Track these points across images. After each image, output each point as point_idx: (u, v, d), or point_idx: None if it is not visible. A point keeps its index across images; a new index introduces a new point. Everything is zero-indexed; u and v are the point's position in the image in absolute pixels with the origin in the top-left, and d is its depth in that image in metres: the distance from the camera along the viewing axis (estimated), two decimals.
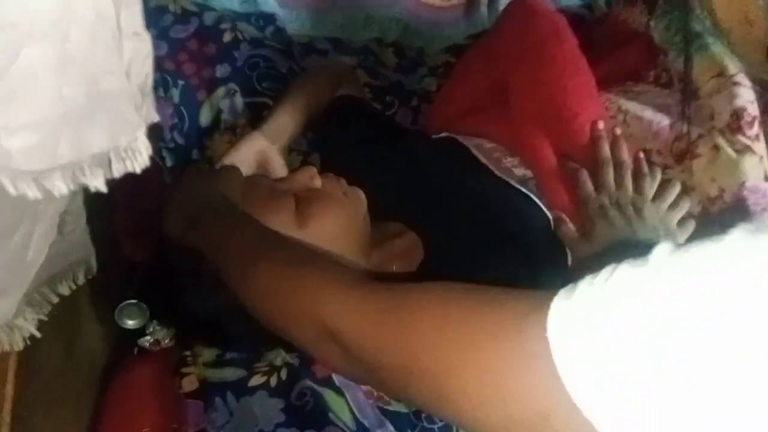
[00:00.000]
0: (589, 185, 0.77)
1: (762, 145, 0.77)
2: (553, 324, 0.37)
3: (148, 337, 0.83)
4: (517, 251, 0.75)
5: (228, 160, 0.84)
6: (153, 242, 0.80)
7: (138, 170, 0.39)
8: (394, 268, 0.78)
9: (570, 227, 0.77)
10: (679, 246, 0.37)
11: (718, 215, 0.77)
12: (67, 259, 0.62)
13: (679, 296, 0.34)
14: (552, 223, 0.79)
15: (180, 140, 0.91)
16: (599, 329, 0.35)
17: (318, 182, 0.76)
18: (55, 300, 0.60)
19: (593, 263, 0.39)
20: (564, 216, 0.78)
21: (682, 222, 0.78)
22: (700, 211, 0.79)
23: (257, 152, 0.87)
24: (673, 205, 0.78)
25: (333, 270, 0.56)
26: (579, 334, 0.36)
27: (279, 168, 0.88)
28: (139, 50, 0.43)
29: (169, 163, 0.89)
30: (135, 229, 0.87)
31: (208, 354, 0.77)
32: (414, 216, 0.82)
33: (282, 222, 0.71)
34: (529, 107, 0.83)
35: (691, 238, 0.76)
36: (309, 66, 1.10)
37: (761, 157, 0.76)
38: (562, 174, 0.80)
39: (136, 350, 0.83)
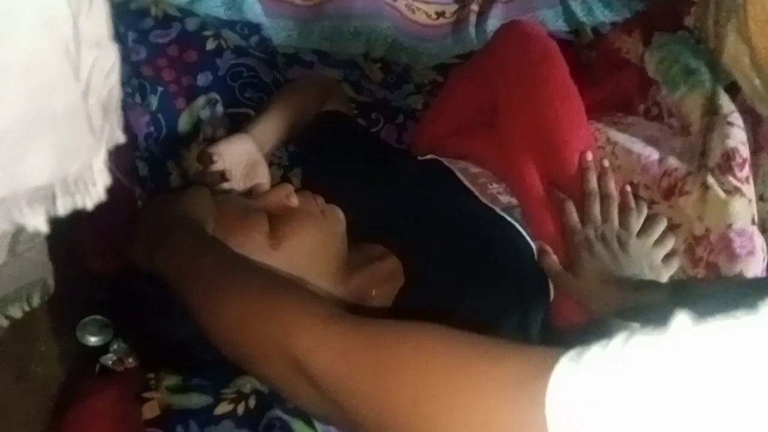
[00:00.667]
0: (575, 216, 0.74)
1: (751, 188, 0.74)
2: (556, 393, 0.32)
3: (110, 355, 0.77)
4: (505, 280, 0.72)
5: (218, 150, 0.78)
6: (121, 257, 0.75)
7: (89, 206, 0.34)
8: (374, 293, 0.74)
9: (554, 259, 0.74)
10: (699, 319, 0.32)
11: (706, 256, 0.74)
12: (21, 280, 0.56)
13: (706, 381, 0.30)
14: (536, 253, 0.75)
15: (155, 150, 0.86)
16: (611, 407, 0.30)
17: (294, 201, 0.72)
18: (6, 324, 0.54)
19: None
20: (548, 247, 0.75)
21: (666, 259, 0.75)
22: (685, 249, 0.76)
23: (248, 152, 0.80)
24: (659, 242, 0.75)
25: (309, 301, 0.51)
26: (586, 408, 0.31)
27: (263, 174, 0.81)
28: (101, 62, 0.37)
29: (142, 173, 0.84)
30: (101, 244, 0.81)
31: (172, 378, 0.71)
32: (396, 239, 0.77)
33: (254, 242, 0.66)
34: (520, 130, 0.79)
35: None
36: (293, 77, 1.06)
37: (750, 200, 0.74)
38: (549, 203, 0.77)
39: (97, 368, 0.77)
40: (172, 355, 0.68)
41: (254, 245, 0.66)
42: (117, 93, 0.41)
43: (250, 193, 0.73)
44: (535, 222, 0.77)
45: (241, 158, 0.79)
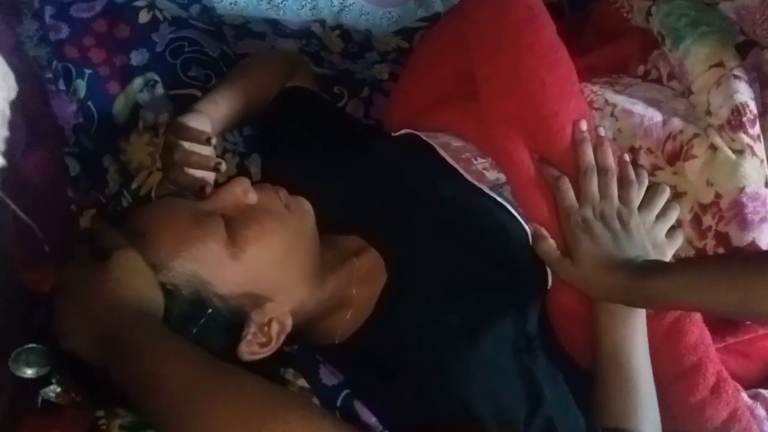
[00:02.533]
0: (571, 195, 0.65)
1: (762, 147, 0.66)
2: None
3: (54, 387, 0.66)
4: (498, 272, 0.63)
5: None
6: (56, 270, 0.64)
7: None
8: (354, 292, 0.64)
9: (551, 244, 0.65)
10: None
11: (715, 225, 0.67)
12: None
13: None
14: (530, 238, 0.66)
15: (87, 143, 0.73)
16: None
17: (253, 197, 0.61)
18: None
19: None
20: (543, 231, 0.65)
21: (671, 232, 0.67)
22: (691, 219, 0.69)
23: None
24: (661, 214, 0.67)
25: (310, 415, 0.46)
26: None
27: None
28: None
29: (73, 171, 0.71)
30: (32, 256, 0.69)
31: (127, 415, 0.61)
32: (373, 229, 0.68)
33: (211, 254, 0.56)
34: (503, 104, 0.69)
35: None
36: (245, 51, 0.94)
37: (762, 161, 0.66)
38: (541, 182, 0.67)
39: (39, 402, 0.66)
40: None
41: (211, 258, 0.55)
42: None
43: (203, 191, 0.61)
44: (527, 203, 0.67)
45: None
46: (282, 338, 0.58)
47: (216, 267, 0.56)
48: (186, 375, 0.47)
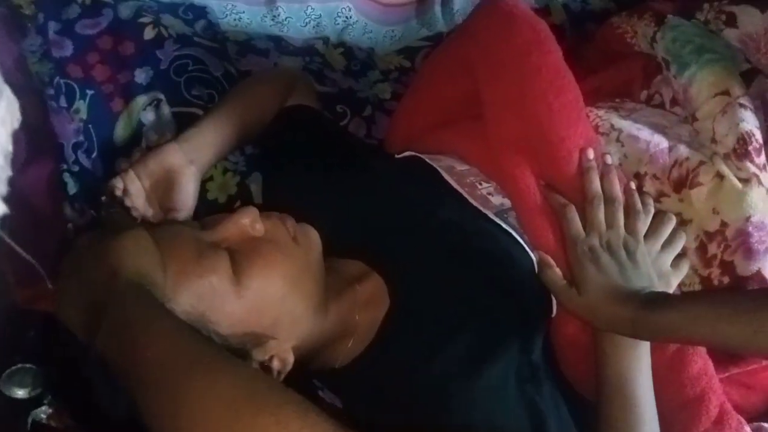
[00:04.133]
0: (578, 224, 0.64)
1: (767, 177, 0.66)
2: None
3: (44, 408, 0.64)
4: (503, 300, 0.61)
5: (130, 174, 0.65)
6: (51, 289, 0.62)
7: None
8: (357, 318, 0.63)
9: (557, 272, 0.63)
10: None
11: (720, 254, 0.66)
12: None
13: None
14: (536, 265, 0.65)
15: (86, 163, 0.72)
16: None
17: (260, 229, 0.58)
18: None
19: None
20: (549, 259, 0.64)
21: (676, 261, 0.66)
22: (696, 247, 0.68)
23: (165, 170, 0.66)
24: (667, 243, 0.65)
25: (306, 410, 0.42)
26: None
27: (183, 196, 0.66)
28: None
29: (72, 190, 0.69)
30: (26, 274, 0.67)
31: None
32: (376, 253, 0.66)
33: (214, 291, 0.54)
34: (509, 129, 0.68)
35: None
36: (248, 68, 0.93)
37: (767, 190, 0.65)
38: (546, 209, 0.66)
39: (29, 424, 0.64)
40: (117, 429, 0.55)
41: (214, 296, 0.53)
42: None
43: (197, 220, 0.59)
44: (532, 230, 0.66)
45: (153, 179, 0.66)
46: (282, 376, 0.57)
47: (219, 305, 0.54)
48: (178, 351, 0.44)
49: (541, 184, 0.67)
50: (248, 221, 0.58)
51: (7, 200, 0.53)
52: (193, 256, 0.54)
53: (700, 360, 0.63)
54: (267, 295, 0.56)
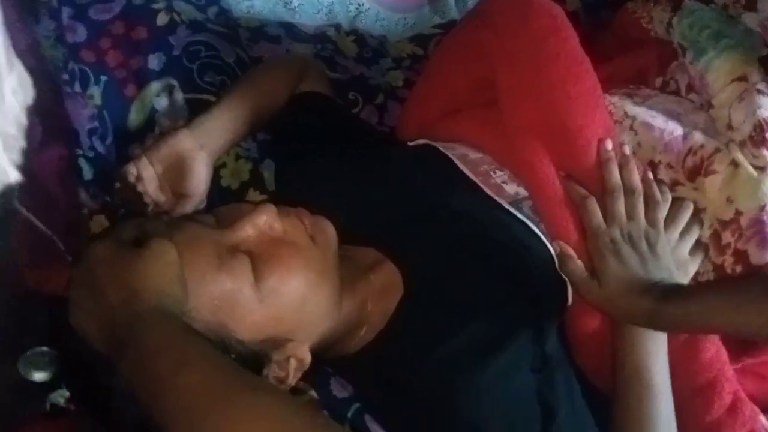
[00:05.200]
0: (599, 216, 0.63)
1: None
2: None
3: (62, 391, 0.65)
4: (517, 290, 0.61)
5: (143, 160, 0.65)
6: (63, 272, 0.62)
7: None
8: (370, 308, 0.62)
9: (578, 264, 0.62)
10: None
11: (734, 243, 0.65)
12: None
13: None
14: (555, 257, 0.64)
15: (101, 148, 0.71)
16: None
17: (278, 228, 0.57)
18: None
19: None
20: (570, 250, 0.63)
21: (692, 249, 0.65)
22: (710, 235, 0.67)
23: (177, 156, 0.66)
24: (684, 231, 0.65)
25: None
26: None
27: (195, 182, 0.66)
28: None
29: (87, 175, 0.69)
30: (39, 258, 0.67)
31: None
32: (390, 240, 0.66)
33: (235, 296, 0.53)
34: (527, 116, 0.67)
35: None
36: (260, 55, 0.92)
37: None
38: (567, 199, 0.65)
39: (48, 407, 0.64)
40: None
41: (236, 302, 0.53)
42: None
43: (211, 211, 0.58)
44: (552, 220, 0.65)
45: (165, 165, 0.65)
46: (300, 374, 0.57)
47: (240, 312, 0.53)
48: (206, 381, 0.43)
49: (561, 175, 0.66)
50: (266, 221, 0.56)
51: (23, 173, 0.52)
52: (214, 263, 0.53)
53: (713, 347, 0.63)
54: (288, 300, 0.55)
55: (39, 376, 0.61)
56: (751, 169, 0.64)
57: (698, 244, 0.66)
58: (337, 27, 1.05)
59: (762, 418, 0.65)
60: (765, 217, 0.63)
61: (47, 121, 0.70)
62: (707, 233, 0.67)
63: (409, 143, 0.77)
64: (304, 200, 0.64)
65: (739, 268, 0.65)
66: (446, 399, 0.55)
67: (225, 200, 0.73)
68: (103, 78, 0.74)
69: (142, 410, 0.46)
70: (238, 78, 0.81)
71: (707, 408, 0.63)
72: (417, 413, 0.57)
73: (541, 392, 0.58)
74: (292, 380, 0.56)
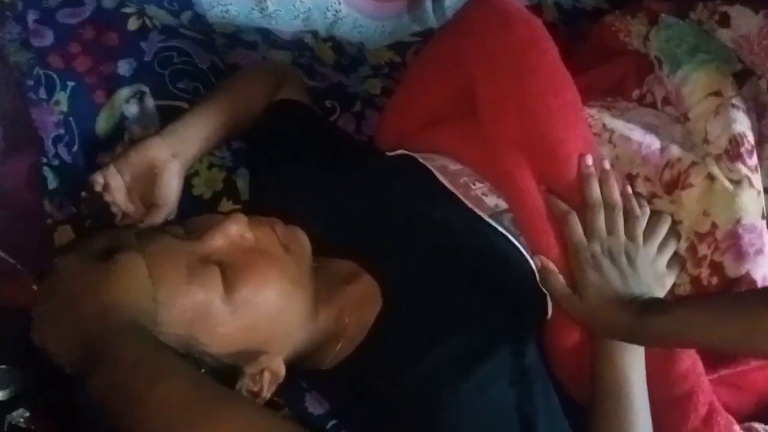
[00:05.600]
0: (580, 231, 0.63)
1: (759, 179, 0.64)
2: None
3: (22, 411, 0.62)
4: (496, 301, 0.60)
5: (111, 169, 0.63)
6: (26, 288, 0.59)
7: None
8: (347, 320, 0.61)
9: (560, 279, 0.62)
10: None
11: (710, 255, 0.65)
12: None
13: None
14: (537, 272, 0.63)
15: (67, 157, 0.69)
16: None
17: (250, 238, 0.56)
18: None
19: None
20: (551, 265, 0.63)
21: (670, 261, 0.65)
22: (687, 247, 0.67)
23: (147, 164, 0.64)
24: (662, 244, 0.65)
25: None
26: None
27: (166, 192, 0.64)
28: None
29: (52, 184, 0.67)
30: (6, 270, 0.65)
31: None
32: (368, 252, 0.64)
33: (206, 308, 0.51)
34: (508, 129, 0.66)
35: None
36: (236, 62, 0.90)
37: (759, 192, 0.64)
38: (548, 213, 0.64)
39: (5, 427, 0.62)
40: None
41: (207, 315, 0.51)
42: None
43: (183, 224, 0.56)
44: (532, 234, 0.64)
45: (136, 174, 0.63)
46: (274, 387, 0.55)
47: (211, 325, 0.52)
48: (182, 396, 0.42)
49: (541, 188, 0.65)
50: (237, 230, 0.55)
51: None
52: (183, 275, 0.51)
53: (689, 359, 0.63)
54: (260, 311, 0.54)
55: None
56: (726, 183, 0.64)
57: (675, 257, 0.66)
58: (315, 33, 1.04)
59: (737, 428, 0.65)
60: (740, 230, 0.63)
61: (12, 129, 0.67)
62: (684, 245, 0.67)
63: (387, 153, 0.75)
64: (279, 210, 0.63)
65: (715, 280, 0.65)
66: (427, 414, 0.54)
67: (197, 210, 0.71)
68: (71, 84, 0.72)
69: (112, 427, 0.44)
70: (212, 85, 0.79)
71: (684, 419, 0.63)
72: (397, 428, 0.56)
73: (520, 406, 0.57)
74: (267, 394, 0.55)
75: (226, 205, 0.75)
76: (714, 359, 0.66)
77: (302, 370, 0.62)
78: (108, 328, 0.46)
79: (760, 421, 0.68)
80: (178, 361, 0.46)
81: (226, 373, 0.53)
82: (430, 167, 0.69)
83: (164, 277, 0.51)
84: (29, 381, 0.57)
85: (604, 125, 0.69)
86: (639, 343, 0.60)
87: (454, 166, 0.70)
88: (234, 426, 0.40)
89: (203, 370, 0.51)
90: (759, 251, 0.64)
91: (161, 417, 0.41)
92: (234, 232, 0.55)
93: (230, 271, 0.53)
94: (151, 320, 0.49)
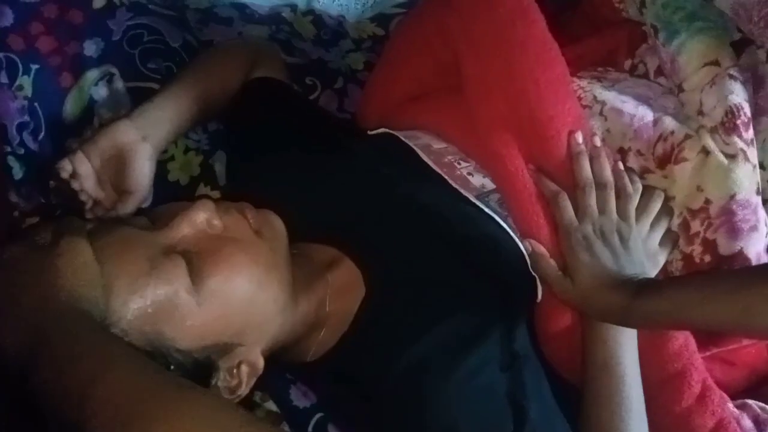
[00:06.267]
0: (571, 212, 0.60)
1: (755, 153, 0.62)
2: None
3: None
4: (485, 287, 0.58)
5: (79, 155, 0.59)
6: None
7: None
8: (328, 309, 0.59)
9: (551, 263, 0.60)
10: None
11: (703, 232, 0.63)
12: None
13: None
14: (527, 256, 0.61)
15: (32, 145, 0.65)
16: None
17: (218, 225, 0.53)
18: None
19: None
20: (542, 248, 0.60)
21: (662, 238, 0.63)
22: (679, 224, 0.65)
23: (116, 148, 0.60)
24: (655, 221, 0.62)
25: None
26: None
27: (137, 177, 0.61)
28: None
29: (17, 174, 0.63)
30: None
31: None
32: (349, 237, 0.62)
33: (170, 304, 0.48)
34: (495, 107, 0.63)
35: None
36: (210, 39, 0.86)
37: (754, 166, 0.61)
38: (538, 194, 0.62)
39: None
40: None
41: (172, 309, 0.48)
42: None
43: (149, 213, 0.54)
44: (522, 216, 0.62)
45: (104, 159, 0.60)
46: (253, 381, 0.52)
47: (177, 319, 0.48)
48: (128, 386, 0.39)
49: (531, 168, 0.63)
50: (204, 218, 0.52)
51: None
52: (145, 267, 0.48)
53: (681, 336, 0.61)
54: (231, 301, 0.51)
55: None
56: (721, 157, 0.61)
57: (668, 234, 0.64)
58: (293, 7, 0.99)
59: (730, 405, 0.64)
60: (734, 206, 0.61)
61: None
62: (676, 222, 0.64)
63: (369, 132, 0.72)
64: (257, 195, 0.59)
65: (707, 258, 0.63)
66: (416, 404, 0.52)
67: (173, 197, 0.68)
68: (34, 67, 0.67)
69: (60, 422, 0.41)
70: (185, 63, 0.76)
71: (677, 397, 0.62)
72: (385, 420, 0.54)
73: (511, 391, 0.55)
74: (246, 388, 0.53)
75: (203, 190, 0.72)
76: (706, 337, 0.65)
77: (286, 362, 0.59)
78: (46, 318, 0.43)
79: (752, 397, 0.66)
80: (126, 350, 0.43)
81: (199, 369, 0.50)
82: (414, 147, 0.66)
83: (123, 269, 0.47)
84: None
85: (595, 97, 0.65)
86: (633, 326, 0.58)
87: (438, 145, 0.67)
88: (189, 418, 0.37)
89: (172, 367, 0.48)
90: (753, 228, 0.62)
91: (108, 413, 0.38)
92: (200, 219, 0.52)
93: (197, 261, 0.50)
94: (99, 311, 0.45)
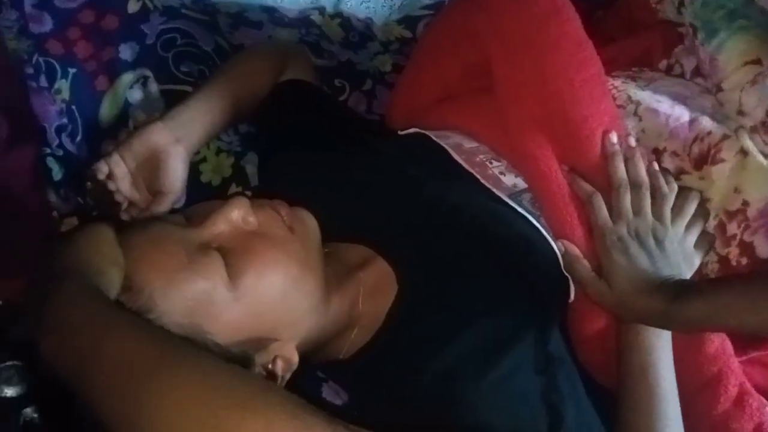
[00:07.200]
0: (605, 213, 0.59)
1: None
2: None
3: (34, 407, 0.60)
4: (518, 286, 0.57)
5: (115, 156, 0.60)
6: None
7: None
8: (361, 307, 0.58)
9: (585, 265, 0.58)
10: None
11: (740, 234, 0.61)
12: None
13: None
14: (560, 257, 0.60)
15: (70, 147, 0.66)
16: None
17: (252, 222, 0.53)
18: None
19: None
20: (576, 249, 0.59)
21: (697, 242, 0.61)
22: (715, 226, 0.63)
23: (151, 150, 0.61)
24: (690, 223, 0.61)
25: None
26: None
27: (171, 178, 0.62)
28: None
29: (57, 176, 0.64)
30: (10, 265, 0.62)
31: None
32: (382, 236, 0.61)
33: (208, 298, 0.48)
34: (528, 108, 0.62)
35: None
36: (241, 42, 0.86)
37: None
38: (572, 195, 0.60)
39: (21, 423, 0.60)
40: None
41: (210, 303, 0.48)
42: None
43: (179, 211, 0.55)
44: (556, 217, 0.60)
45: (139, 160, 0.60)
46: (288, 375, 0.52)
47: (215, 313, 0.49)
48: (134, 349, 0.39)
49: (564, 169, 0.61)
50: (239, 214, 0.52)
51: None
52: (182, 263, 0.48)
53: (717, 339, 0.59)
54: (266, 296, 0.51)
55: (10, 391, 0.57)
56: (761, 158, 0.59)
57: (704, 235, 0.62)
58: (321, 10, 0.99)
59: None
60: None
61: (14, 120, 0.64)
62: (712, 223, 0.63)
63: (399, 132, 0.71)
64: (289, 195, 0.59)
65: (744, 260, 0.61)
66: (450, 406, 0.51)
67: (205, 197, 0.68)
68: (72, 71, 0.68)
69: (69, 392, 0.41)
70: (217, 66, 0.76)
71: (714, 401, 0.60)
72: (418, 421, 0.53)
73: (546, 394, 0.54)
74: (282, 383, 0.53)
75: (235, 191, 0.72)
76: (743, 340, 0.63)
77: (318, 359, 0.59)
78: (57, 290, 0.43)
79: None
80: (129, 317, 0.43)
81: (236, 363, 0.50)
82: (445, 146, 0.65)
83: (162, 263, 0.48)
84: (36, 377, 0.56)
85: (629, 97, 0.64)
86: (671, 329, 0.57)
87: (469, 144, 0.66)
88: (192, 378, 0.37)
89: None
90: None
91: (113, 374, 0.38)
92: (236, 216, 0.52)
93: (233, 257, 0.50)
94: (111, 290, 0.45)
